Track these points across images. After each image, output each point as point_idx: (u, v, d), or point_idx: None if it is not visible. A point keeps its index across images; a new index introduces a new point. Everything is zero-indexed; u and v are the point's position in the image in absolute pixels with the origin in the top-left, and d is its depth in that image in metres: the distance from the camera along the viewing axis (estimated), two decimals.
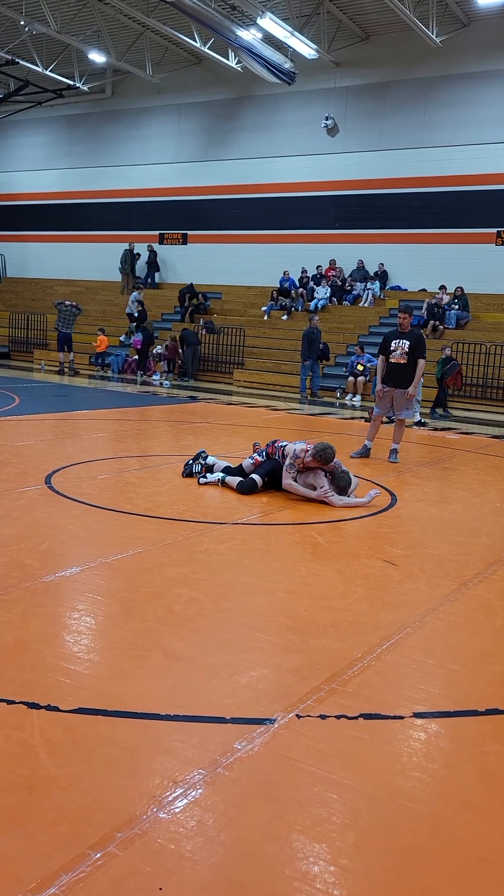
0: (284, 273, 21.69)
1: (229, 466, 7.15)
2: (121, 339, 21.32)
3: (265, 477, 6.78)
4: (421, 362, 8.77)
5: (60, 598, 4.05)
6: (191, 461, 7.31)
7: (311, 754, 2.67)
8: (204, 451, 7.43)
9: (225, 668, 3.27)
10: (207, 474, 7.09)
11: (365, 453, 8.94)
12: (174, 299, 23.27)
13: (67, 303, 19.36)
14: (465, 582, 4.67)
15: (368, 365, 17.18)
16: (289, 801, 2.41)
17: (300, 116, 21.80)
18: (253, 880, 2.08)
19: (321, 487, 6.48)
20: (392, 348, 8.82)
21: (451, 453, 10.08)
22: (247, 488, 6.71)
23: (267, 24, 17.55)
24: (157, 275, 24.81)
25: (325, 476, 6.55)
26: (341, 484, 6.51)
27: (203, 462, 7.26)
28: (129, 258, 24.27)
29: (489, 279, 19.32)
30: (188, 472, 7.21)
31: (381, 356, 9.00)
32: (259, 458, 6.90)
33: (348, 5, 19.21)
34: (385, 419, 9.61)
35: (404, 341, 8.77)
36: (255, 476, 6.77)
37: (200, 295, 22.37)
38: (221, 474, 7.00)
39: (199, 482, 7.02)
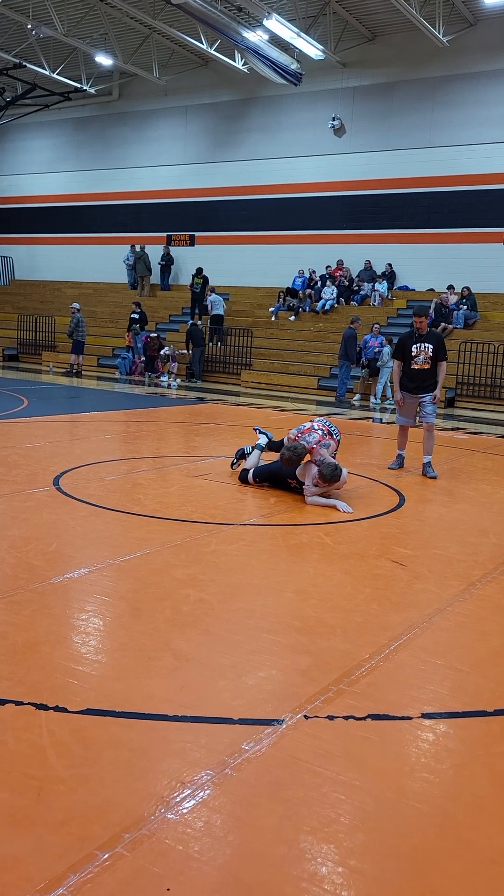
0: (299, 272, 21.67)
1: (272, 441, 7.53)
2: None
3: (261, 477, 7.04)
4: (443, 364, 8.16)
5: (69, 600, 4.06)
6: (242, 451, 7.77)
7: (319, 755, 2.67)
8: (248, 448, 7.76)
9: (233, 669, 3.27)
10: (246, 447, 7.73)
11: (400, 464, 8.51)
12: (181, 300, 23.30)
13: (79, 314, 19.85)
14: (474, 582, 4.66)
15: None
16: (297, 802, 2.41)
17: (307, 117, 21.80)
18: (261, 881, 2.07)
19: (310, 482, 6.56)
20: (413, 353, 8.08)
21: (459, 453, 10.05)
22: (242, 479, 7.17)
23: (273, 26, 17.57)
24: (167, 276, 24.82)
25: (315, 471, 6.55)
26: (325, 472, 6.36)
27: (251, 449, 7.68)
28: (145, 260, 24.23)
29: (497, 279, 19.29)
30: (240, 455, 7.69)
31: (395, 361, 8.34)
32: (293, 436, 6.97)
33: (355, 6, 19.20)
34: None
35: (426, 345, 8.05)
36: (249, 473, 7.11)
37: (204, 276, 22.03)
38: (251, 447, 7.51)
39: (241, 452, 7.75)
